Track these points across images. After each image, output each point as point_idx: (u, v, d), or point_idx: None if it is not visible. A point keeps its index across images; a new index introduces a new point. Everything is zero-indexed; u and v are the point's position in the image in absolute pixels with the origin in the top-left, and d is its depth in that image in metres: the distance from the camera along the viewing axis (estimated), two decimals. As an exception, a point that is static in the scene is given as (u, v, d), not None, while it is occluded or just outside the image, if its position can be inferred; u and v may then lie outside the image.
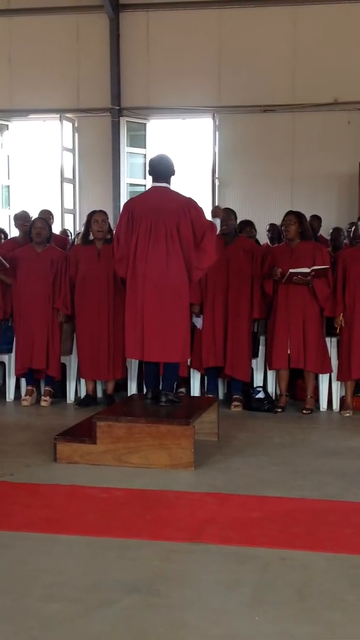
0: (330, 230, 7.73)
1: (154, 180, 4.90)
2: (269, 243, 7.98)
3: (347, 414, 5.89)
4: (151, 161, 4.97)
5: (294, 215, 6.03)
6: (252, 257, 6.14)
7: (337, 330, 5.90)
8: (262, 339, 6.32)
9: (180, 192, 4.90)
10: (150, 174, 4.96)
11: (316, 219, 8.05)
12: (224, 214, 6.27)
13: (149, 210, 4.75)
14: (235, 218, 6.40)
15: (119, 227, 4.93)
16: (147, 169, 4.98)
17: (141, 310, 4.73)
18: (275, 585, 2.85)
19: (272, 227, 8.19)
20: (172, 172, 4.90)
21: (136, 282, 4.76)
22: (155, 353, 4.78)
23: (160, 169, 4.87)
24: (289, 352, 5.90)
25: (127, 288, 4.90)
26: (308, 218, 6.89)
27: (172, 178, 4.92)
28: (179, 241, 4.72)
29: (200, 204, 4.88)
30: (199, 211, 4.82)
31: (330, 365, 5.99)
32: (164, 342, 4.75)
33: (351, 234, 6.91)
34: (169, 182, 4.88)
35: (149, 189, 5.01)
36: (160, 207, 4.74)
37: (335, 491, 4.00)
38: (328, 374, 6.03)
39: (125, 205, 5.10)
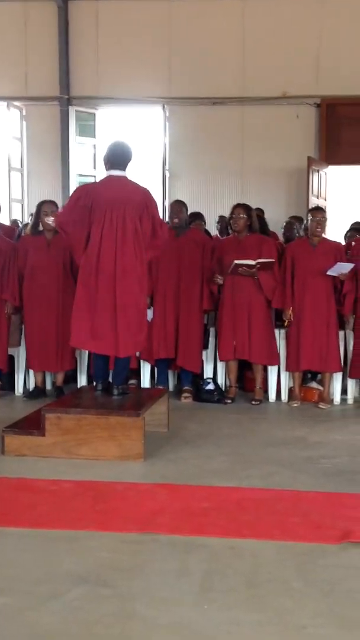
0: (284, 223, 7.81)
1: (111, 168, 4.77)
2: (218, 235, 8.02)
3: (295, 405, 5.97)
4: (110, 148, 4.82)
5: (242, 208, 6.08)
6: (203, 249, 6.17)
7: (286, 323, 5.98)
8: (212, 330, 6.36)
9: (137, 182, 4.84)
10: (108, 161, 4.79)
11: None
12: (177, 206, 6.29)
13: (113, 202, 4.64)
14: (186, 210, 6.41)
15: (70, 216, 4.78)
16: (106, 156, 4.80)
17: (113, 306, 4.65)
18: (224, 573, 2.88)
19: (222, 219, 8.23)
20: (130, 159, 4.82)
21: (105, 276, 4.64)
22: (129, 348, 4.76)
23: (119, 157, 4.77)
24: (234, 344, 5.97)
25: (85, 280, 4.74)
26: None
27: (129, 165, 4.83)
28: (141, 234, 4.71)
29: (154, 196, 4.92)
30: (156, 205, 4.87)
31: (277, 357, 6.07)
32: (135, 336, 4.74)
33: (296, 228, 7.02)
34: (125, 170, 4.81)
35: (108, 178, 4.81)
36: (125, 199, 4.66)
37: (283, 480, 4.06)
38: (277, 366, 6.11)
39: (84, 189, 4.94)
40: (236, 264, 5.80)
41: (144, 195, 4.76)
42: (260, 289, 5.94)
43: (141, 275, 4.74)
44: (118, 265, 4.64)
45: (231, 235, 6.24)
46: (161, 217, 4.93)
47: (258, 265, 5.82)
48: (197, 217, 7.43)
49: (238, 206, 6.13)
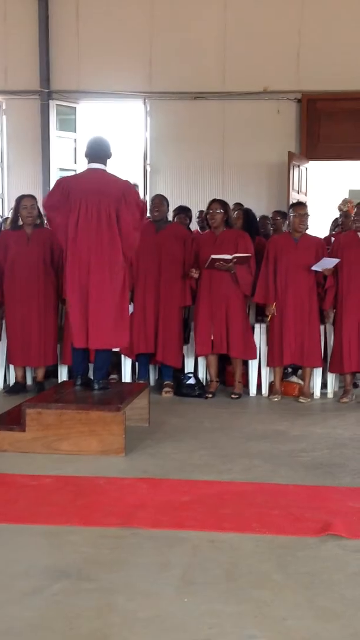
0: (257, 219, 7.84)
1: (90, 162, 4.84)
2: (199, 230, 8.03)
3: (276, 399, 6.00)
4: (88, 143, 4.91)
5: (218, 203, 6.12)
6: (184, 244, 6.18)
7: (269, 318, 6.01)
8: (192, 325, 6.37)
9: (117, 175, 4.86)
10: (86, 155, 4.87)
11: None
12: (157, 199, 6.30)
13: (88, 192, 4.67)
14: (167, 205, 6.42)
15: (51, 200, 4.82)
16: (85, 150, 4.88)
17: (86, 298, 4.66)
18: (204, 567, 2.89)
19: (202, 214, 8.24)
20: (109, 155, 4.87)
21: (79, 267, 4.68)
22: (101, 340, 4.75)
23: (97, 151, 4.82)
24: (212, 338, 5.99)
25: (67, 272, 4.78)
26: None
27: (108, 161, 4.88)
28: (117, 225, 4.71)
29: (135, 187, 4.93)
30: (137, 195, 4.86)
31: (254, 351, 6.09)
32: (111, 329, 4.73)
33: (284, 222, 7.04)
34: (105, 164, 4.84)
35: (86, 171, 4.91)
36: (101, 190, 4.68)
37: (263, 473, 4.08)
38: (257, 360, 6.13)
39: (60, 182, 4.97)
40: (213, 258, 5.83)
41: (123, 188, 4.75)
42: (237, 283, 5.96)
43: (117, 266, 4.72)
44: (92, 254, 4.65)
45: (207, 230, 6.27)
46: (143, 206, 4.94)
47: (235, 260, 5.85)
48: (183, 210, 7.44)
49: (214, 201, 6.17)
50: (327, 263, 5.81)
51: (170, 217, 6.84)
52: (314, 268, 5.82)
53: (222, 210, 6.04)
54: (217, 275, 5.95)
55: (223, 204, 6.14)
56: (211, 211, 6.07)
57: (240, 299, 6.03)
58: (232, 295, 5.99)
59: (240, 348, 6.01)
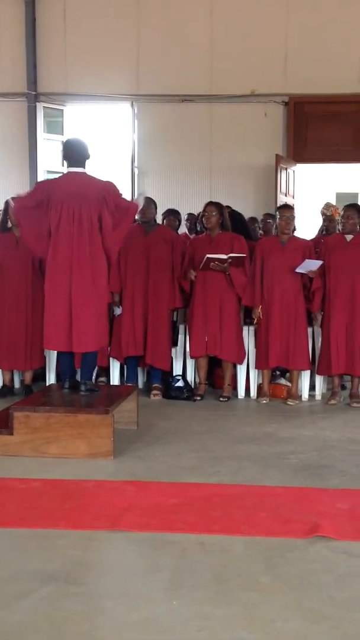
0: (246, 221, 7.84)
1: (70, 165, 4.83)
2: (187, 233, 8.03)
3: (264, 401, 6.01)
4: (65, 145, 4.92)
5: (214, 206, 6.12)
6: (172, 247, 6.18)
7: (255, 321, 6.02)
8: (181, 327, 6.37)
9: (97, 177, 4.86)
10: (64, 158, 4.88)
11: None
12: (145, 202, 6.29)
13: (69, 196, 4.67)
14: (155, 207, 6.41)
15: (27, 202, 4.79)
16: (62, 154, 4.91)
17: (68, 301, 4.66)
18: (193, 569, 2.89)
19: (190, 216, 8.25)
20: (87, 156, 4.85)
21: (60, 271, 4.67)
22: (88, 344, 4.73)
23: (75, 153, 4.81)
24: (206, 340, 5.99)
25: (47, 276, 4.80)
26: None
27: (87, 162, 4.86)
28: (99, 228, 4.70)
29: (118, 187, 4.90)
30: (118, 195, 4.82)
31: (244, 355, 6.10)
32: (94, 331, 4.72)
33: (274, 225, 7.05)
34: (84, 167, 4.84)
35: (66, 174, 4.91)
36: (82, 193, 4.68)
37: (251, 476, 4.09)
38: (246, 362, 6.14)
39: (41, 185, 4.98)
40: (208, 257, 5.83)
41: (103, 190, 4.73)
42: (232, 285, 5.97)
43: (99, 269, 4.71)
44: (74, 258, 4.65)
45: (203, 233, 6.27)
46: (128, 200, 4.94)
47: (230, 260, 5.85)
48: (172, 213, 7.44)
49: (210, 204, 6.17)
50: (311, 265, 5.82)
51: (159, 220, 6.84)
52: (297, 270, 5.84)
53: (217, 213, 6.04)
54: (211, 277, 5.94)
55: (219, 206, 6.13)
56: (207, 214, 6.07)
57: (234, 302, 6.03)
58: (226, 298, 5.99)
59: (233, 351, 6.02)
